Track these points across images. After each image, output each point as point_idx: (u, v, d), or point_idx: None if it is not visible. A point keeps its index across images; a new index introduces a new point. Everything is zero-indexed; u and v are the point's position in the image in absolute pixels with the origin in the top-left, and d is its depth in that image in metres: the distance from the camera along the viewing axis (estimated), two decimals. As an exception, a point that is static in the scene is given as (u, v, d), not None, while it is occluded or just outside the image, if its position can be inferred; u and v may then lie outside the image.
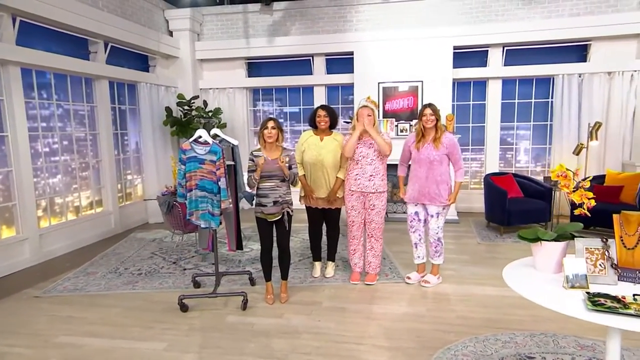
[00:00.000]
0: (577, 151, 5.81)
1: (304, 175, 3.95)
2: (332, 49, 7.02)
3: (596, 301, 1.80)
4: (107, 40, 5.81)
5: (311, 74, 7.33)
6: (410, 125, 6.51)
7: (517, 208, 5.43)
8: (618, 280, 2.01)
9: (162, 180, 6.57)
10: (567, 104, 6.35)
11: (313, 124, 3.95)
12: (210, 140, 3.42)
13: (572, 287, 1.97)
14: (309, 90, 7.45)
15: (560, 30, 6.21)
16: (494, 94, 6.76)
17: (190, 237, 5.34)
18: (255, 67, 7.66)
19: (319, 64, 7.28)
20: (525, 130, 6.89)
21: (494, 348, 2.75)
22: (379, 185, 3.82)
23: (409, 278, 3.97)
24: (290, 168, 3.44)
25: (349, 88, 7.11)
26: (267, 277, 3.63)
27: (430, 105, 3.70)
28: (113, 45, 5.93)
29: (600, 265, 2.05)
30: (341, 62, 7.12)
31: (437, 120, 3.67)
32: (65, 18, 4.93)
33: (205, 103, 7.07)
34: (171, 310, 3.48)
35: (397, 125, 6.47)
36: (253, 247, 5.19)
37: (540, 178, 6.33)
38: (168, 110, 6.67)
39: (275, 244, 3.56)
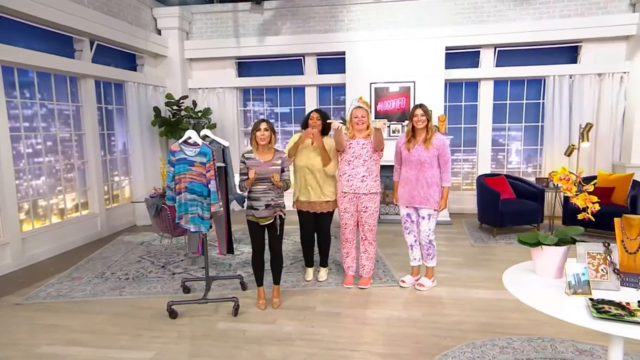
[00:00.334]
0: (569, 152, 5.82)
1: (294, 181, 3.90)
2: (324, 48, 6.95)
3: (601, 308, 1.75)
4: (93, 38, 5.65)
5: (302, 74, 7.25)
6: (403, 126, 6.47)
7: (509, 209, 5.42)
8: (620, 285, 1.98)
9: (150, 182, 6.43)
10: (558, 105, 6.36)
11: (306, 127, 3.88)
12: (200, 141, 3.32)
13: (575, 293, 1.93)
14: (300, 90, 7.36)
15: (551, 31, 6.23)
16: (485, 95, 6.75)
17: (180, 240, 5.22)
18: (246, 66, 7.55)
19: (310, 64, 7.20)
20: (517, 132, 6.90)
21: (492, 354, 2.70)
22: (372, 187, 3.76)
23: (403, 282, 3.91)
24: (282, 171, 3.36)
25: (340, 88, 7.04)
26: (259, 282, 3.54)
27: (421, 105, 3.65)
28: (99, 43, 5.78)
29: (602, 270, 2.00)
30: (333, 62, 7.05)
31: (428, 120, 3.62)
32: (49, 15, 4.77)
33: (194, 103, 6.94)
34: (160, 317, 3.36)
35: (389, 126, 6.42)
36: (244, 250, 5.09)
37: (531, 179, 6.35)
38: (156, 110, 6.53)
39: (267, 248, 3.47)
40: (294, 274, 4.26)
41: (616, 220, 2.06)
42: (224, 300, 3.56)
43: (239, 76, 7.50)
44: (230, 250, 4.01)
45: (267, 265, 3.54)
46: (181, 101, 6.65)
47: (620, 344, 1.90)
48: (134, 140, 6.44)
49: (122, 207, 6.41)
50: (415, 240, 3.85)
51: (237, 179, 3.60)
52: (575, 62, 6.45)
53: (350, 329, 3.13)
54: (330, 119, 3.91)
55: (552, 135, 6.44)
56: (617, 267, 1.99)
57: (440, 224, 5.83)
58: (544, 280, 2.16)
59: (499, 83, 6.75)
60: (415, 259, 3.90)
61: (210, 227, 3.45)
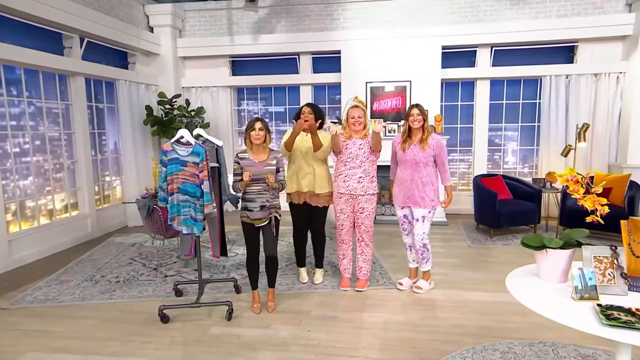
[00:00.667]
0: (565, 152, 5.79)
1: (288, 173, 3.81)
2: (319, 47, 6.86)
3: (610, 315, 1.69)
4: (83, 35, 5.52)
5: (297, 72, 7.16)
6: (399, 126, 6.40)
7: (506, 210, 5.37)
8: (628, 290, 1.91)
9: (142, 182, 6.31)
10: (555, 105, 6.34)
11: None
12: (192, 140, 3.22)
13: (582, 298, 1.86)
14: (295, 89, 7.27)
15: (547, 31, 6.19)
16: (482, 95, 6.71)
17: (172, 242, 5.11)
18: (240, 65, 7.45)
19: (305, 63, 7.11)
20: (513, 132, 6.87)
21: (493, 359, 2.63)
22: (369, 188, 3.68)
23: (400, 284, 3.83)
24: (277, 171, 3.28)
25: (336, 87, 6.96)
26: (254, 285, 3.45)
27: (417, 105, 3.58)
28: (89, 40, 5.65)
29: (609, 274, 1.94)
30: (328, 61, 6.96)
31: (424, 120, 3.56)
32: (37, 10, 4.64)
33: (187, 102, 6.82)
34: (151, 322, 3.26)
35: (385, 126, 6.35)
36: (238, 251, 4.99)
37: (527, 179, 6.31)
38: (148, 109, 6.41)
39: (261, 250, 3.38)
40: (289, 276, 4.17)
41: (623, 222, 2.00)
42: (218, 304, 3.45)
43: (233, 75, 7.39)
44: (223, 252, 3.91)
45: (262, 268, 3.44)
46: (174, 100, 6.53)
47: (628, 352, 1.83)
48: (125, 140, 6.31)
49: (113, 208, 6.28)
50: (413, 242, 3.76)
51: (231, 179, 3.51)
52: (572, 62, 6.42)
53: (348, 334, 3.05)
54: (323, 114, 3.83)
55: (549, 135, 6.41)
56: (625, 271, 1.93)
57: (437, 225, 5.78)
58: (549, 285, 2.09)
59: (495, 83, 6.71)
60: (413, 260, 3.83)
61: (204, 229, 3.35)
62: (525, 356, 2.66)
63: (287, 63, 7.21)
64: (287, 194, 3.85)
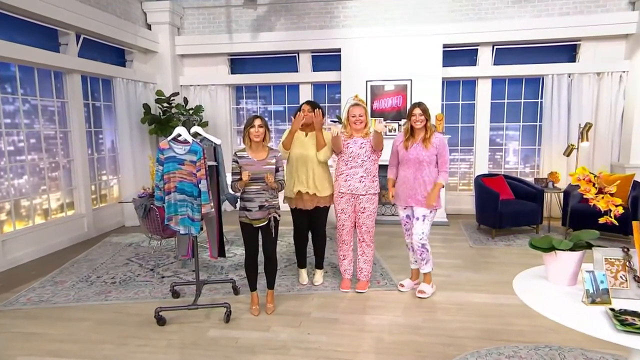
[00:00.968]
0: (568, 152, 5.73)
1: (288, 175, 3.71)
2: (319, 45, 6.78)
3: (624, 320, 1.62)
4: (79, 32, 5.43)
5: (297, 71, 7.08)
6: (399, 125, 6.34)
7: (508, 210, 5.30)
8: (641, 294, 1.85)
9: (139, 181, 6.23)
10: (557, 105, 6.27)
11: None
12: (190, 138, 3.15)
13: (593, 302, 1.79)
14: (294, 88, 7.20)
15: (549, 29, 6.13)
16: (483, 94, 6.64)
17: (170, 242, 5.03)
18: (239, 63, 7.37)
19: (305, 61, 7.03)
20: (515, 131, 6.80)
21: (498, 363, 2.56)
22: (370, 187, 3.61)
23: (402, 286, 3.76)
24: (277, 170, 3.20)
25: (336, 86, 6.88)
26: (252, 287, 3.37)
27: (419, 104, 3.49)
28: (86, 37, 5.56)
29: (621, 277, 1.87)
30: (328, 60, 6.89)
31: (427, 120, 3.48)
32: (32, 6, 4.55)
33: (185, 100, 6.74)
34: (147, 324, 3.18)
35: (386, 126, 6.27)
36: (236, 252, 4.91)
37: (529, 179, 6.25)
38: (146, 107, 6.33)
39: (260, 250, 3.30)
40: (288, 277, 4.10)
41: (635, 223, 1.93)
42: (216, 305, 3.39)
43: (232, 73, 7.31)
44: (221, 253, 3.83)
45: (261, 269, 3.37)
46: (172, 98, 6.45)
47: (641, 358, 1.77)
48: (122, 138, 6.23)
49: (110, 207, 6.20)
50: (415, 242, 3.68)
51: (229, 178, 3.43)
52: (574, 61, 6.36)
53: (349, 336, 2.98)
54: (323, 112, 3.76)
55: (550, 135, 6.34)
56: (638, 274, 1.86)
57: (437, 225, 5.71)
58: (557, 288, 2.02)
59: (496, 82, 6.64)
60: (415, 261, 3.75)
61: (201, 228, 3.28)
62: (531, 360, 2.59)
63: (286, 61, 7.13)
64: (287, 197, 3.77)
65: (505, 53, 6.52)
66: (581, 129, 5.62)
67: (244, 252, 3.35)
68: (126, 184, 6.31)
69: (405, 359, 2.68)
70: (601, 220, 1.86)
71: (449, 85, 6.75)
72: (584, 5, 6.12)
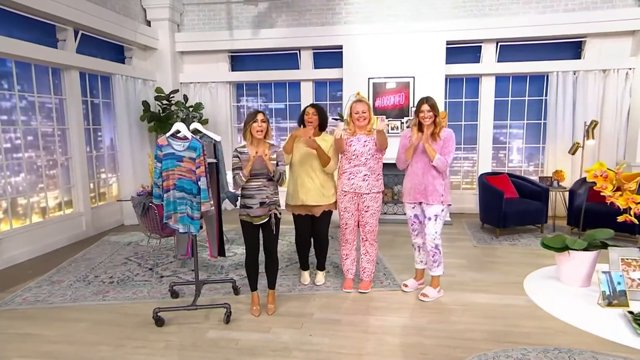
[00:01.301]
0: (573, 150, 5.65)
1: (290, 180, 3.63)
2: (320, 42, 6.69)
3: (644, 323, 1.54)
4: (78, 28, 5.35)
5: (298, 68, 6.99)
6: (402, 123, 6.26)
7: (513, 209, 5.22)
8: (659, 295, 1.77)
9: (138, 179, 6.16)
10: (562, 102, 6.18)
11: (302, 124, 3.64)
12: (189, 135, 3.07)
13: (609, 304, 1.72)
14: (295, 85, 7.11)
15: (554, 25, 6.04)
16: (487, 91, 6.56)
17: (169, 241, 4.96)
18: (239, 60, 7.28)
19: (306, 58, 6.95)
20: (519, 129, 6.71)
21: (507, 366, 2.48)
22: (374, 186, 3.53)
23: (405, 286, 3.68)
24: (277, 166, 3.12)
25: (337, 83, 6.80)
26: (253, 287, 3.30)
27: (427, 100, 3.38)
28: (84, 33, 5.48)
29: (638, 278, 1.79)
30: (329, 57, 6.80)
31: (436, 115, 3.39)
32: (29, 0, 4.47)
33: (185, 97, 6.66)
34: (145, 325, 3.11)
35: (387, 124, 6.18)
36: (236, 251, 4.84)
37: (533, 178, 6.16)
38: (145, 104, 6.25)
39: (261, 249, 3.23)
40: (289, 277, 4.02)
41: (652, 222, 1.85)
42: (215, 306, 3.31)
43: (233, 70, 7.23)
44: (221, 252, 3.75)
45: (262, 268, 3.29)
46: (171, 95, 6.38)
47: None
48: (121, 136, 6.15)
49: (109, 206, 6.12)
50: (424, 243, 3.58)
51: (229, 175, 3.36)
52: (580, 58, 6.27)
53: (352, 338, 2.90)
54: (327, 117, 3.70)
55: (555, 132, 6.25)
56: (656, 275, 1.78)
57: (441, 224, 5.62)
58: (571, 289, 1.95)
59: (500, 79, 6.55)
60: (421, 261, 3.66)
61: (201, 227, 3.20)
62: (540, 363, 2.51)
63: (287, 58, 7.04)
64: (290, 205, 3.68)
65: (509, 50, 6.44)
66: (587, 127, 5.54)
67: (244, 251, 3.27)
68: (125, 182, 6.24)
69: (410, 361, 2.60)
70: (620, 219, 1.78)
71: (452, 82, 6.66)
72: (589, 1, 6.03)
